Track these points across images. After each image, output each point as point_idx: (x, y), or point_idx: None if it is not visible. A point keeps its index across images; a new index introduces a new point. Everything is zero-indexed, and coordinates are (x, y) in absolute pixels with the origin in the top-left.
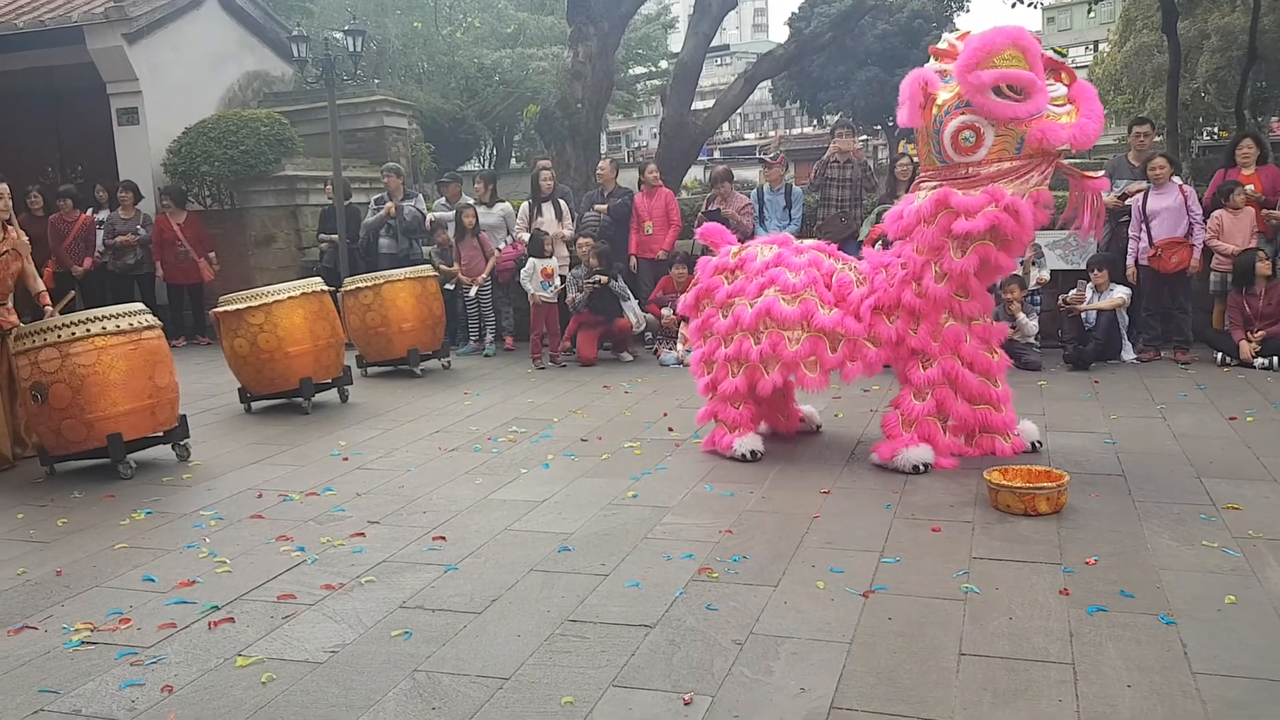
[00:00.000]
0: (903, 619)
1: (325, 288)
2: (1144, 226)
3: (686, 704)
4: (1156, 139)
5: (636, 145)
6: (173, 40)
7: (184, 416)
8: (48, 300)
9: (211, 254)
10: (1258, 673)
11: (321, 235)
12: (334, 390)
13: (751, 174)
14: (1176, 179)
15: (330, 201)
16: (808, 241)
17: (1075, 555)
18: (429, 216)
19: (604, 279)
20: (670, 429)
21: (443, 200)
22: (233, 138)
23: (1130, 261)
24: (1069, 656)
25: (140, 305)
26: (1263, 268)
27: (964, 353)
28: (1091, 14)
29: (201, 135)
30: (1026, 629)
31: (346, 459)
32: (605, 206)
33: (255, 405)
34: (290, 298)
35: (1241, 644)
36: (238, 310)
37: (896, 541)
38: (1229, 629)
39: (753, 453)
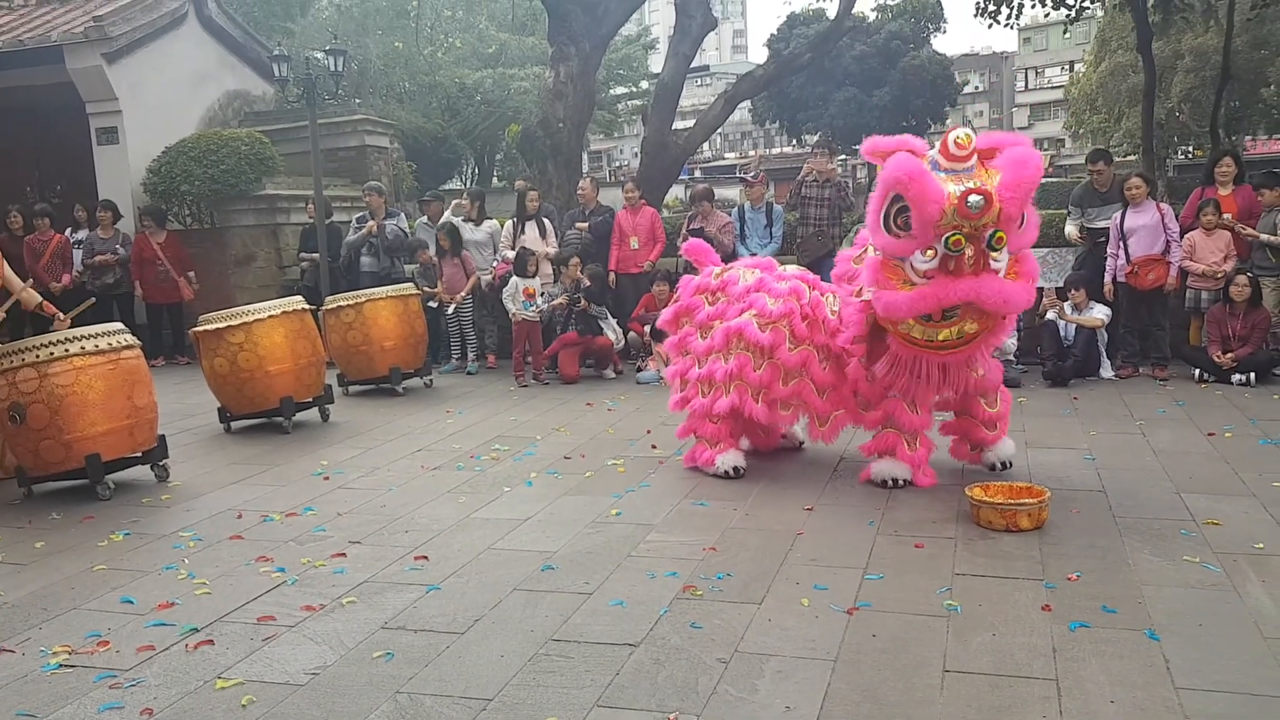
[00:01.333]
0: (887, 636)
1: (306, 306)
2: (1121, 244)
3: None
4: (1133, 158)
5: (618, 164)
6: (153, 60)
7: (163, 437)
8: (53, 309)
9: (191, 273)
10: (1240, 687)
11: (302, 254)
12: (315, 409)
13: (732, 193)
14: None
15: (311, 220)
16: (791, 268)
17: (1057, 571)
18: (447, 222)
19: (584, 302)
20: (654, 446)
21: (424, 219)
22: (213, 157)
23: (1108, 279)
24: (1052, 672)
25: (119, 325)
26: (1237, 291)
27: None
28: (1067, 34)
29: (181, 154)
30: (1010, 645)
31: (327, 478)
32: (586, 225)
33: (235, 425)
34: (271, 316)
35: (1224, 658)
36: (217, 329)
37: (880, 558)
38: (1211, 644)
39: (735, 469)
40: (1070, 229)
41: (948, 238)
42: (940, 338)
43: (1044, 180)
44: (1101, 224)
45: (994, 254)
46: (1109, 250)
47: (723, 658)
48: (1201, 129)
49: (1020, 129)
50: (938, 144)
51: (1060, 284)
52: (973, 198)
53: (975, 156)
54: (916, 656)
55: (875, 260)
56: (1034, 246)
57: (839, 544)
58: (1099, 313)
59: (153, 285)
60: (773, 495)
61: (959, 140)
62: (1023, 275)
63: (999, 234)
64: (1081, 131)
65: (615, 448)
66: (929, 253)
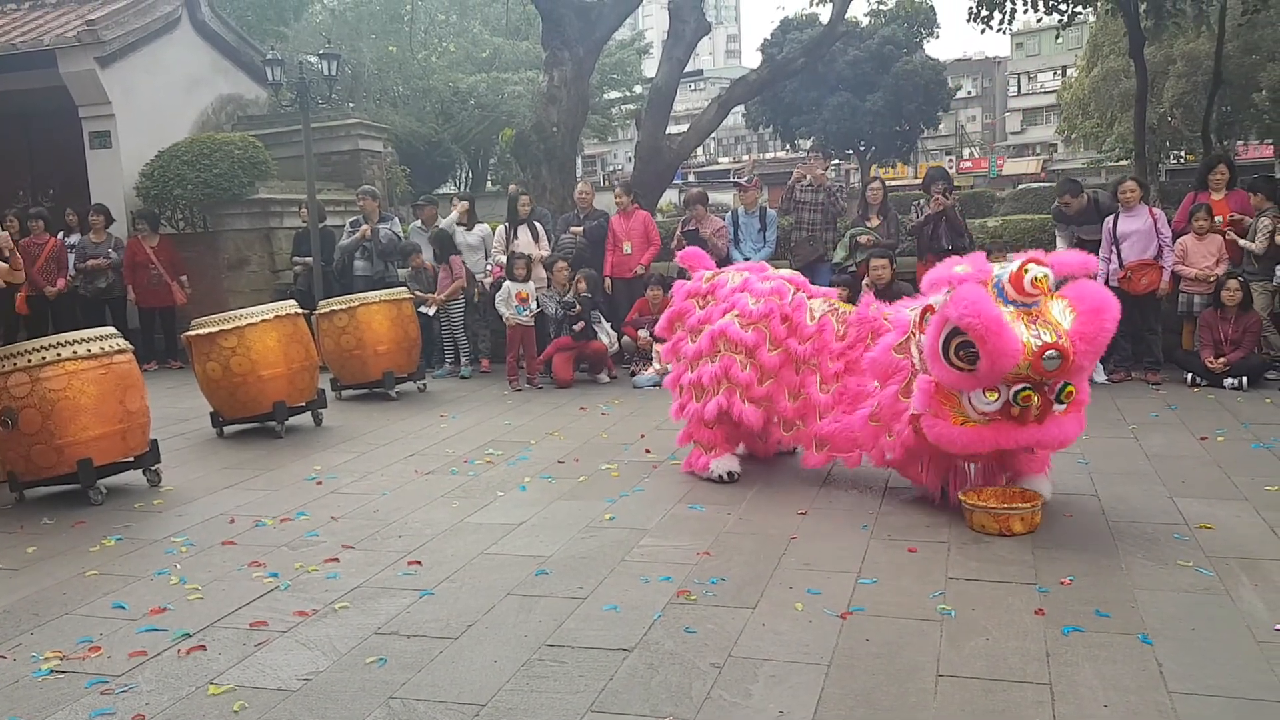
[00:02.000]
0: (880, 640)
1: (299, 310)
2: (1114, 249)
3: None
4: (1126, 163)
5: (612, 169)
6: (146, 64)
7: (155, 441)
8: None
9: (184, 277)
10: (1233, 691)
11: (296, 258)
12: (308, 414)
13: (725, 197)
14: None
15: (305, 224)
16: (783, 271)
17: (1050, 575)
18: (447, 226)
19: (578, 309)
20: (648, 450)
21: (418, 223)
22: (206, 161)
23: (1100, 284)
24: (1046, 677)
25: (111, 329)
26: (1229, 295)
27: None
28: (1060, 40)
29: (174, 158)
30: (1003, 649)
31: (320, 483)
32: (581, 229)
33: (228, 429)
34: (264, 321)
35: (1216, 663)
36: (210, 334)
37: (873, 562)
38: (1204, 648)
39: (730, 474)
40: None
41: (1017, 392)
42: None
43: (1036, 185)
44: (1090, 238)
45: (1059, 405)
46: (1101, 255)
47: (716, 662)
48: (1193, 134)
49: (1013, 133)
50: (1007, 270)
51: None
52: (1050, 354)
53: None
54: (910, 661)
55: (929, 385)
56: (1026, 250)
57: (832, 548)
58: None
59: (145, 289)
60: (766, 500)
61: (1036, 280)
62: (1076, 402)
63: (1070, 388)
64: (1074, 136)
65: (609, 452)
66: (992, 395)
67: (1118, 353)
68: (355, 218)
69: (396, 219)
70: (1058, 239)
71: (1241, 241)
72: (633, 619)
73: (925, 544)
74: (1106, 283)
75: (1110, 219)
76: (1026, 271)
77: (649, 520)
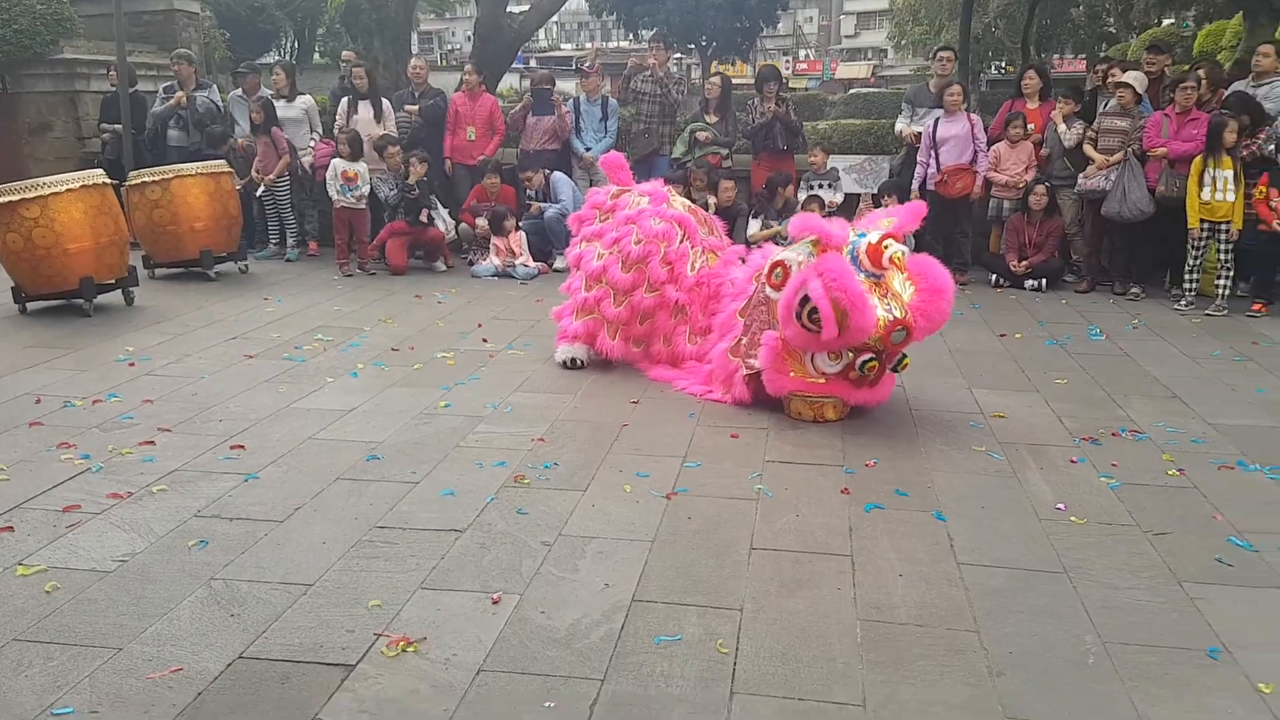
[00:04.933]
0: (701, 518)
1: (108, 181)
2: (933, 153)
3: (495, 603)
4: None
5: (450, 47)
6: None
7: None
8: None
9: None
10: (1015, 563)
11: (104, 125)
12: (118, 292)
13: (569, 86)
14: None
15: (114, 88)
16: (679, 201)
17: (857, 458)
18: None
19: (417, 193)
20: (485, 340)
21: (239, 92)
22: (4, 15)
23: (915, 186)
24: (848, 549)
25: None
26: (1035, 200)
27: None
28: None
29: None
30: (811, 525)
31: (133, 365)
32: (417, 107)
33: (31, 306)
34: (69, 190)
35: (1002, 538)
36: (10, 203)
37: (698, 447)
38: (992, 524)
39: (573, 360)
40: (900, 125)
41: (864, 362)
42: None
43: (866, 91)
44: (919, 128)
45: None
46: (919, 159)
47: (547, 541)
48: (1014, 45)
49: (846, 37)
50: (865, 240)
51: (875, 190)
52: (898, 330)
53: None
54: (727, 536)
55: (776, 343)
56: (852, 153)
57: (661, 435)
58: None
59: None
60: (601, 389)
61: (895, 258)
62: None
63: (906, 360)
64: (904, 43)
65: (445, 340)
66: (834, 358)
67: (929, 254)
68: (169, 84)
69: (215, 87)
70: (899, 120)
71: (1061, 127)
72: (466, 502)
73: (747, 430)
74: (924, 184)
75: (931, 124)
76: (886, 247)
77: (484, 408)
